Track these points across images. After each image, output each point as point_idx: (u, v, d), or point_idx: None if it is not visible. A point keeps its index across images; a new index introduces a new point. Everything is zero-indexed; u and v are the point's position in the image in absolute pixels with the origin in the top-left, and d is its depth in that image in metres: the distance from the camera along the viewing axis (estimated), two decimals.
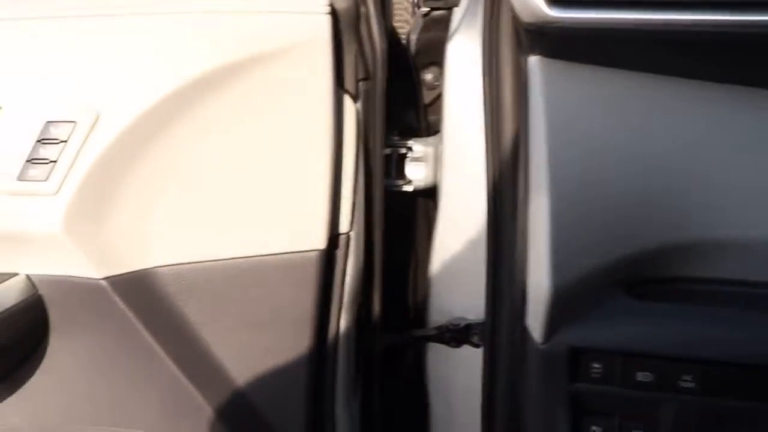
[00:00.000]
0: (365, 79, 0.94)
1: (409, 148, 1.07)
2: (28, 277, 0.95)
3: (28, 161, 0.85)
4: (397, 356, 1.17)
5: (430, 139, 1.08)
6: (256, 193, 0.89)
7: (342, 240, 0.95)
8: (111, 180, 0.86)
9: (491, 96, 0.89)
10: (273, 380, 0.96)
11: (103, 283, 0.90)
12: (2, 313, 0.91)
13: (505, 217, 0.90)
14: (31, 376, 0.99)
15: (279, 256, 0.91)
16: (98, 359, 0.97)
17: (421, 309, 1.11)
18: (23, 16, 0.86)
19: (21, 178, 0.86)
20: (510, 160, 0.88)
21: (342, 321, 0.98)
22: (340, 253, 0.95)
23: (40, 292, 0.95)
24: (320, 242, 0.91)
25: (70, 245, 0.87)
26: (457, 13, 1.02)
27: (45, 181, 0.85)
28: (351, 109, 0.92)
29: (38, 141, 0.85)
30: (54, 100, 0.85)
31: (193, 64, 0.84)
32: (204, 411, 0.97)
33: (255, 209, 0.90)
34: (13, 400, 1.01)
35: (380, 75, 0.94)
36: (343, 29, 0.89)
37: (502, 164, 0.90)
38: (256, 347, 0.95)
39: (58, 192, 0.85)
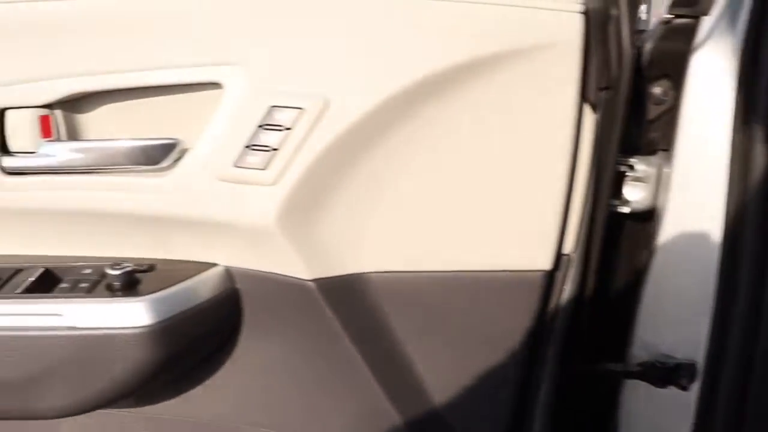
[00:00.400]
0: (606, 88, 0.84)
1: (630, 167, 0.97)
2: (227, 269, 0.89)
3: (247, 147, 0.80)
4: (589, 386, 1.07)
5: (653, 158, 0.98)
6: (482, 205, 0.82)
7: (564, 261, 0.85)
8: (331, 175, 0.79)
9: (747, 114, 0.78)
10: (473, 402, 0.89)
11: (311, 284, 0.83)
12: (198, 305, 0.86)
13: (746, 254, 0.79)
14: (217, 371, 0.93)
15: (499, 273, 0.83)
16: (292, 361, 0.91)
17: (620, 340, 1.01)
18: None
19: (238, 164, 0.80)
20: (760, 189, 0.77)
21: (551, 346, 0.89)
22: (560, 274, 0.86)
23: (238, 285, 0.89)
24: (546, 263, 0.82)
25: (282, 241, 0.81)
26: (707, 22, 0.91)
27: (264, 169, 0.79)
28: (590, 120, 0.83)
29: (260, 126, 0.79)
30: (281, 84, 0.78)
31: (431, 59, 0.77)
32: (398, 428, 0.89)
33: (478, 222, 0.82)
34: (197, 392, 0.97)
35: (624, 85, 0.84)
36: (593, 32, 0.79)
37: (749, 193, 0.79)
38: (460, 366, 0.88)
39: (276, 182, 0.79)
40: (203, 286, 0.87)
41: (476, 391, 0.87)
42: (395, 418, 0.90)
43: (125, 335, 0.82)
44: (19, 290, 0.86)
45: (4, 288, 0.88)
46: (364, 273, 0.84)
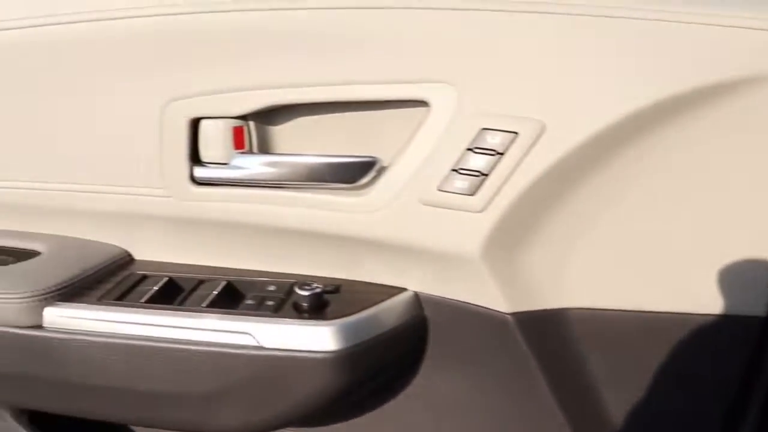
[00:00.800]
0: None
1: None
2: (416, 295, 0.84)
3: (454, 170, 0.74)
4: None
5: None
6: (697, 244, 0.73)
7: None
8: (541, 205, 0.73)
9: None
10: None
11: (509, 317, 0.77)
12: (386, 332, 0.82)
13: None
14: (395, 399, 0.89)
15: (710, 317, 0.75)
16: (478, 395, 0.86)
17: None
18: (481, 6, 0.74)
19: (443, 187, 0.75)
20: None
21: (757, 399, 0.81)
22: None
23: (427, 313, 0.84)
24: (764, 309, 0.73)
25: (483, 271, 0.75)
26: None
27: (472, 195, 0.73)
28: None
29: (469, 149, 0.73)
30: (493, 106, 0.72)
31: (659, 86, 0.69)
32: None
33: (693, 262, 0.74)
34: (372, 419, 0.94)
35: None
36: None
37: None
38: (659, 413, 0.81)
39: (484, 210, 0.73)
40: (392, 313, 0.83)
41: None
42: None
43: (311, 359, 0.79)
44: (204, 304, 0.84)
45: (188, 300, 0.86)
46: (565, 309, 0.78)
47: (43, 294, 0.85)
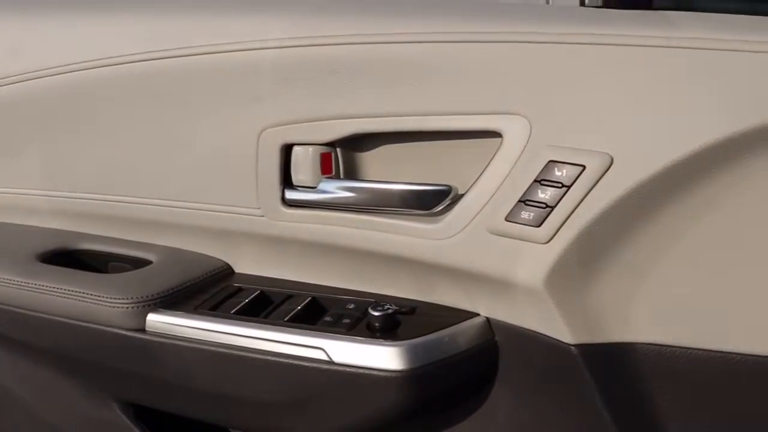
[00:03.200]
0: None
1: None
2: (488, 320, 0.86)
3: (521, 201, 0.75)
4: None
5: None
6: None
7: None
8: (606, 239, 0.73)
9: None
10: None
11: (574, 349, 0.78)
12: (455, 354, 0.84)
13: None
14: (460, 420, 0.91)
15: None
16: (540, 423, 0.86)
17: None
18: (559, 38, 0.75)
19: (510, 218, 0.77)
20: None
21: None
22: None
23: (497, 338, 0.85)
24: None
25: (547, 301, 0.76)
26: None
27: (537, 227, 0.75)
28: None
29: (536, 180, 0.74)
30: (562, 139, 0.73)
31: (740, 116, 0.67)
32: None
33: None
34: None
35: None
36: None
37: None
38: None
39: (549, 241, 0.74)
40: (462, 336, 0.86)
41: None
42: None
43: (380, 377, 0.83)
44: (288, 317, 0.89)
45: (275, 313, 0.92)
46: (631, 342, 0.77)
47: (147, 301, 0.94)
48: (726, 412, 0.78)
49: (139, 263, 1.04)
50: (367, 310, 0.89)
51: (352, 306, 0.92)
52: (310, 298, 0.94)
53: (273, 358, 0.87)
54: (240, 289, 0.98)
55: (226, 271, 1.04)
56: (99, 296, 0.95)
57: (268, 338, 0.88)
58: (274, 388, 0.88)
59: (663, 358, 0.77)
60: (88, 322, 0.96)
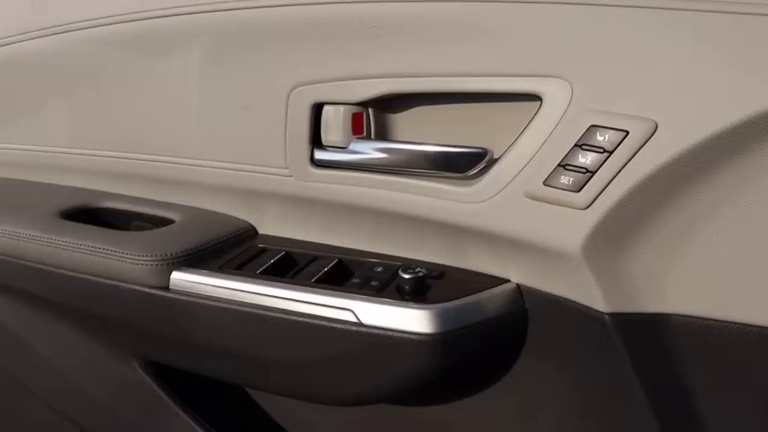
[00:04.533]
0: None
1: None
2: (518, 286, 0.85)
3: (560, 165, 0.74)
4: None
5: None
6: None
7: None
8: (646, 207, 0.72)
9: None
10: None
11: (608, 317, 0.76)
12: (485, 320, 0.83)
13: None
14: (487, 386, 0.90)
15: None
16: (570, 391, 0.86)
17: None
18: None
19: (549, 182, 0.75)
20: None
21: None
22: None
23: (527, 305, 0.84)
24: None
25: (583, 268, 0.75)
26: None
27: (577, 192, 0.73)
28: None
29: (577, 145, 0.72)
30: (605, 103, 0.71)
31: None
32: None
33: None
34: (465, 403, 0.94)
35: None
36: None
37: None
38: (759, 428, 0.76)
39: (588, 207, 0.73)
40: (492, 301, 0.84)
41: None
42: None
43: (408, 340, 0.82)
44: (314, 279, 0.88)
45: (300, 274, 0.91)
46: (666, 313, 0.76)
47: (171, 259, 0.93)
48: (760, 386, 0.77)
49: (161, 222, 1.03)
50: (395, 273, 0.88)
51: (380, 269, 0.91)
52: (336, 261, 0.93)
53: (300, 319, 0.86)
54: (264, 250, 0.97)
55: (250, 232, 1.03)
56: (123, 253, 0.94)
57: (295, 299, 0.87)
58: (301, 349, 0.88)
59: (696, 331, 0.76)
60: (111, 279, 0.95)
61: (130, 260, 0.93)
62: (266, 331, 0.89)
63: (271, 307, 0.88)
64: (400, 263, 0.91)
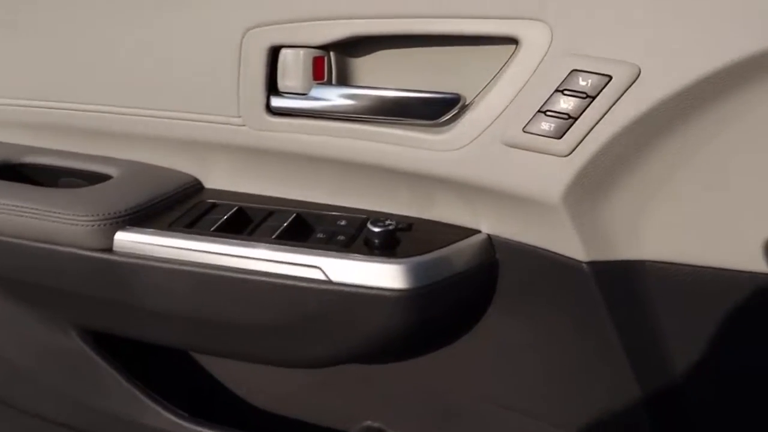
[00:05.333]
0: None
1: None
2: (489, 237, 0.82)
3: (541, 111, 0.71)
4: None
5: None
6: None
7: None
8: (628, 153, 0.70)
9: None
10: (732, 414, 0.81)
11: (586, 266, 0.75)
12: (457, 273, 0.80)
13: None
14: (459, 342, 0.88)
15: None
16: (545, 340, 0.84)
17: None
18: None
19: (528, 129, 0.72)
20: None
21: None
22: None
23: (498, 256, 0.82)
24: None
25: (563, 217, 0.73)
26: None
27: (558, 138, 0.70)
28: None
29: (558, 90, 0.70)
30: (587, 47, 0.69)
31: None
32: (647, 427, 0.81)
33: None
34: (434, 360, 0.93)
35: None
36: None
37: None
38: (729, 373, 0.79)
39: (570, 154, 0.71)
40: (464, 254, 0.82)
41: (737, 401, 0.78)
42: (644, 416, 0.82)
43: (381, 296, 0.78)
44: (274, 235, 0.83)
45: (258, 231, 0.85)
46: (642, 260, 0.75)
47: (114, 218, 0.85)
48: (731, 328, 0.78)
49: (96, 178, 0.94)
50: (361, 226, 0.84)
51: (343, 222, 0.86)
52: (295, 215, 0.88)
53: (262, 279, 0.81)
54: (215, 206, 0.91)
55: (196, 187, 0.96)
56: (57, 213, 0.86)
57: (256, 257, 0.82)
58: (263, 312, 0.82)
59: (672, 276, 0.76)
60: (44, 242, 0.87)
61: (67, 221, 0.85)
62: (224, 293, 0.83)
63: (229, 267, 0.82)
64: (364, 216, 0.86)
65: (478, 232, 0.84)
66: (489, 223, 0.83)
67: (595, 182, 0.73)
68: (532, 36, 0.72)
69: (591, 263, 0.77)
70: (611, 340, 0.81)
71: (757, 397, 0.81)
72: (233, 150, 0.89)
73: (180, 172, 0.96)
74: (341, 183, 0.88)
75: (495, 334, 0.88)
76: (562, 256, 0.78)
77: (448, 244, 0.82)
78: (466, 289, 0.83)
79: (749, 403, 0.81)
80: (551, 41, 0.72)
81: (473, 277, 0.83)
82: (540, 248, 0.80)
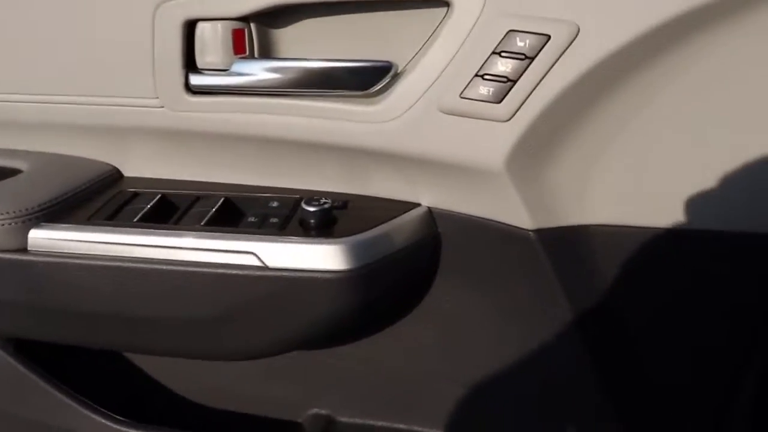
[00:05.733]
0: None
1: None
2: (430, 210, 0.79)
3: (478, 75, 0.67)
4: None
5: None
6: (738, 160, 0.68)
7: None
8: (570, 115, 0.68)
9: None
10: (686, 376, 0.81)
11: (532, 234, 0.73)
12: (398, 250, 0.77)
13: None
14: (406, 317, 0.85)
15: (733, 234, 0.71)
16: (494, 312, 0.82)
17: None
18: None
19: (466, 95, 0.69)
20: None
21: None
22: None
23: (440, 229, 0.79)
24: None
25: (506, 184, 0.70)
26: None
27: (497, 103, 0.67)
28: None
29: (495, 52, 0.66)
30: (523, 6, 0.65)
31: None
32: (597, 395, 0.82)
33: (731, 178, 0.69)
34: (382, 337, 0.90)
35: None
36: None
37: None
38: (681, 335, 0.78)
39: (510, 119, 0.68)
40: (405, 229, 0.78)
41: (693, 364, 0.78)
42: (598, 380, 0.81)
43: (321, 279, 0.74)
44: (203, 222, 0.78)
45: (184, 218, 0.80)
46: (587, 225, 0.73)
47: (26, 215, 0.78)
48: (672, 286, 0.76)
49: (4, 174, 0.87)
50: (295, 206, 0.79)
51: (275, 204, 0.82)
52: (223, 199, 0.83)
53: (193, 269, 0.76)
54: (136, 195, 0.85)
55: (114, 176, 0.89)
56: None
57: (185, 246, 0.76)
58: (197, 304, 0.77)
59: (614, 239, 0.74)
60: None
61: None
62: (152, 287, 0.78)
63: (156, 259, 0.77)
64: (297, 196, 0.81)
65: (418, 205, 0.81)
66: (429, 195, 0.79)
67: (538, 146, 0.70)
68: None
69: (537, 231, 0.74)
70: (561, 307, 0.78)
71: (704, 342, 0.79)
72: (152, 134, 0.83)
73: (96, 161, 0.89)
74: (270, 162, 0.83)
75: (442, 309, 0.85)
76: (508, 225, 0.75)
77: (388, 220, 0.78)
78: (409, 265, 0.80)
79: (695, 355, 0.80)
80: (485, 1, 0.68)
81: (416, 252, 0.79)
82: (484, 218, 0.77)
